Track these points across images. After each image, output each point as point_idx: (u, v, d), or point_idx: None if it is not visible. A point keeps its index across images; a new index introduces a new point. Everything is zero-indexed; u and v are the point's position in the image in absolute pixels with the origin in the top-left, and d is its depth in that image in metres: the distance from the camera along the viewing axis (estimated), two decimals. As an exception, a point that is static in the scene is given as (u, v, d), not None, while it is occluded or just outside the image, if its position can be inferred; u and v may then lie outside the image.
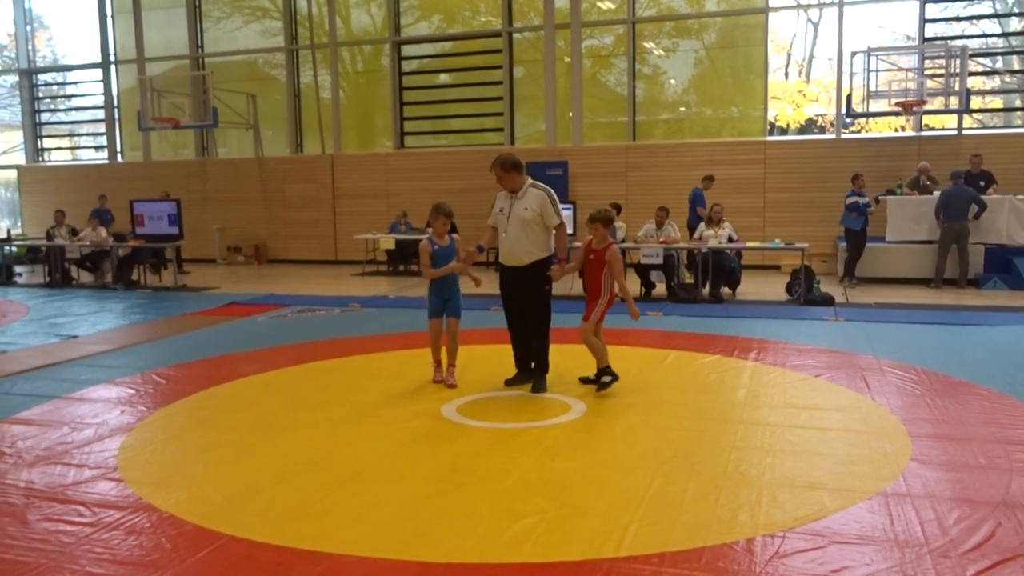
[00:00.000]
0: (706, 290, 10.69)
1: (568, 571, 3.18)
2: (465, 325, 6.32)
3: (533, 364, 6.06)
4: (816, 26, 20.48)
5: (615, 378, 5.88)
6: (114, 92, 19.24)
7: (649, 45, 15.95)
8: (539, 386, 5.95)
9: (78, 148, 21.04)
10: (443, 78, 17.71)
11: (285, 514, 3.79)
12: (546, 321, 6.03)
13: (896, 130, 16.22)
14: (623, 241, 11.16)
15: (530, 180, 5.93)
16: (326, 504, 3.90)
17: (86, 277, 14.06)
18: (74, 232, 14.35)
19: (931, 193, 12.21)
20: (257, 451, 4.74)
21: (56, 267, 13.86)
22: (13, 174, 20.43)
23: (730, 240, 10.93)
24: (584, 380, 6.04)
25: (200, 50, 18.44)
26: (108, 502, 3.96)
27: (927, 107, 13.28)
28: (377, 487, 4.12)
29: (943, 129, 14.84)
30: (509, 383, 6.08)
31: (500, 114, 16.32)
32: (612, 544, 3.39)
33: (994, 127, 15.66)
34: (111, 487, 4.17)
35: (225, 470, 4.43)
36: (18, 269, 15.39)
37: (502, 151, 6.30)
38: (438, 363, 6.22)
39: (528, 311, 5.99)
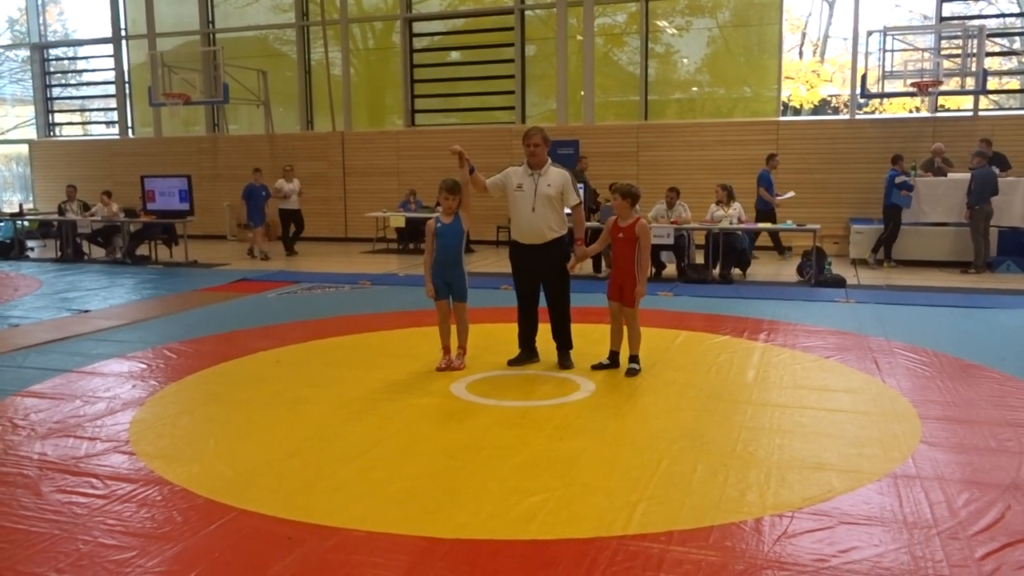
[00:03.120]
0: (716, 271, 10.65)
1: (577, 548, 3.19)
2: (472, 304, 6.26)
3: (556, 341, 6.07)
4: (831, 5, 20.28)
5: (640, 367, 5.86)
6: (125, 67, 19.21)
7: (662, 23, 15.80)
8: (566, 363, 6.00)
9: (89, 123, 21.06)
10: (454, 55, 17.61)
11: (295, 489, 3.82)
12: (568, 298, 6.05)
13: (911, 111, 16.08)
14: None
15: (550, 159, 5.94)
16: (336, 480, 3.93)
17: (98, 252, 14.12)
18: (86, 207, 14.40)
19: (946, 175, 12.11)
20: (267, 426, 4.77)
21: (68, 242, 13.92)
22: (25, 149, 20.47)
23: (738, 221, 10.88)
24: (597, 366, 5.94)
25: (211, 26, 18.37)
26: (120, 475, 3.99)
27: (943, 88, 13.13)
28: (386, 463, 4.15)
29: (959, 110, 14.68)
30: (512, 363, 6.08)
31: (511, 92, 16.23)
32: (620, 522, 3.40)
33: (1011, 108, 15.49)
34: (123, 460, 4.21)
35: (236, 445, 4.46)
36: (30, 244, 15.47)
37: (531, 125, 6.20)
38: (446, 348, 6.04)
39: (548, 289, 6.00)
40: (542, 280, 5.99)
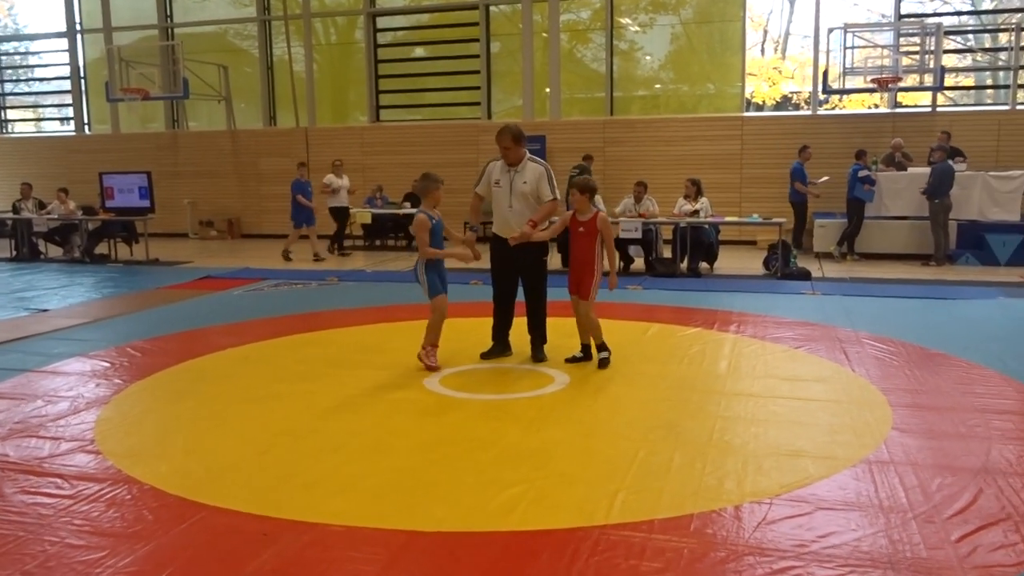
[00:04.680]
0: (684, 264, 10.71)
1: (559, 539, 3.17)
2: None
3: (531, 335, 6.05)
4: (792, 3, 20.53)
5: (609, 352, 5.86)
6: (80, 62, 18.78)
7: (626, 20, 15.85)
8: (540, 355, 5.99)
9: (43, 120, 20.55)
10: (419, 51, 17.49)
11: (269, 485, 3.75)
12: (544, 292, 6.06)
13: (871, 107, 16.34)
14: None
15: (528, 154, 5.90)
16: (310, 475, 3.86)
17: (55, 251, 13.79)
18: (41, 205, 14.04)
19: (905, 169, 12.31)
20: (237, 423, 4.68)
21: (23, 241, 13.56)
22: (-24, 146, 19.92)
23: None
24: (571, 359, 5.91)
25: (169, 20, 18.03)
26: (87, 474, 3.88)
27: (902, 84, 13.34)
28: (362, 458, 4.09)
29: (917, 106, 14.95)
30: (485, 356, 6.05)
31: (477, 88, 16.16)
32: (601, 512, 3.38)
33: (965, 104, 15.81)
34: (89, 459, 4.10)
35: (205, 442, 4.37)
36: (-16, 243, 15.06)
37: (503, 123, 6.15)
38: (435, 345, 5.83)
39: (526, 282, 6.01)
40: (520, 274, 5.97)
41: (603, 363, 5.77)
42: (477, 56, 16.05)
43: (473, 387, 5.35)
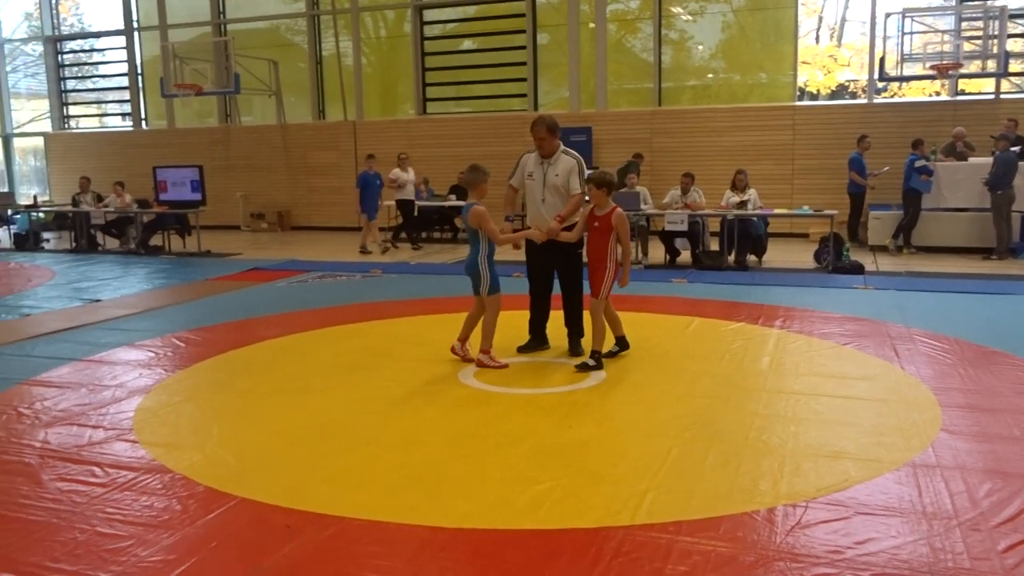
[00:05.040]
0: (732, 257, 10.50)
1: (582, 538, 3.10)
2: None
3: (568, 329, 5.98)
4: (849, -12, 19.90)
5: (600, 365, 5.49)
6: (138, 59, 19.21)
7: (676, 9, 15.58)
8: (577, 349, 5.88)
9: (104, 115, 21.09)
10: (466, 44, 17.46)
11: (297, 477, 3.75)
12: (580, 286, 5.95)
13: (931, 95, 15.80)
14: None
15: (562, 146, 5.83)
16: (338, 468, 3.86)
17: (112, 243, 14.14)
18: (99, 198, 14.41)
19: (967, 160, 11.87)
20: (272, 415, 4.70)
21: (82, 233, 13.94)
22: (40, 142, 20.55)
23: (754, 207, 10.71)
24: (608, 355, 5.72)
25: (222, 16, 18.32)
26: (122, 463, 3.94)
27: (963, 70, 12.85)
28: (390, 452, 4.07)
29: (979, 93, 14.39)
30: (522, 350, 5.99)
31: (523, 80, 16.08)
32: (628, 511, 3.30)
33: (1033, 92, 15.17)
34: (125, 448, 4.16)
35: (239, 433, 4.40)
36: (46, 235, 15.53)
37: (538, 115, 6.10)
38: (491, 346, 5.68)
39: (562, 276, 5.93)
40: (555, 268, 5.90)
41: (582, 367, 5.44)
42: (524, 48, 15.95)
43: (508, 381, 5.29)
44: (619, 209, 5.57)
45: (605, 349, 5.72)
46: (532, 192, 5.83)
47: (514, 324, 6.35)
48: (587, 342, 5.88)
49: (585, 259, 5.75)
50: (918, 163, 11.30)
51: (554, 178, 5.74)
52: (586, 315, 5.84)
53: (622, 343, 5.87)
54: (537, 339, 6.05)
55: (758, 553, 2.96)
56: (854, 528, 3.13)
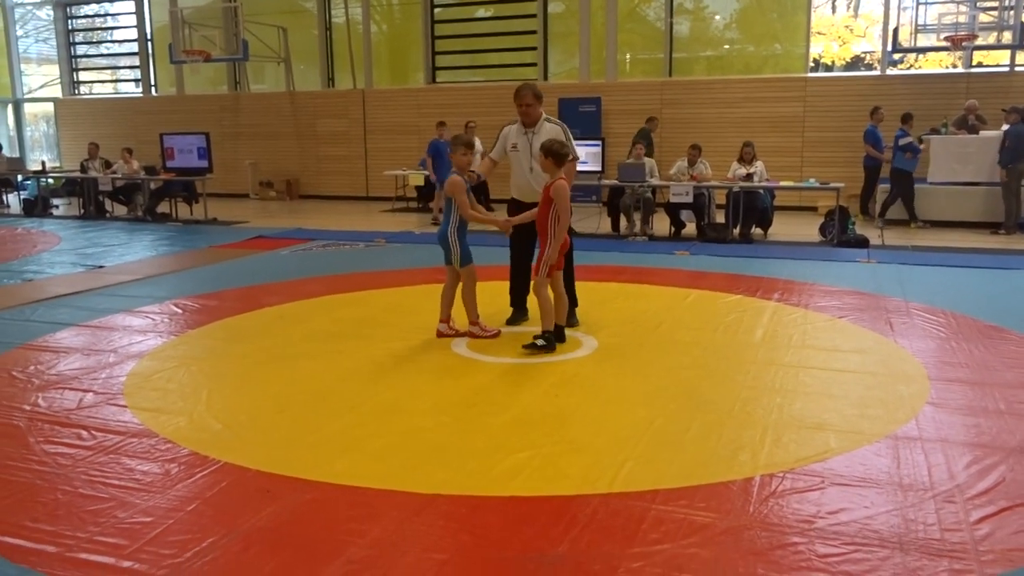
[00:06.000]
0: (736, 230, 10.43)
1: (557, 505, 3.12)
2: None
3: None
4: (867, -43, 19.52)
5: (551, 347, 5.19)
6: (148, 25, 19.15)
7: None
8: (572, 320, 5.85)
9: (114, 81, 21.09)
10: (477, 12, 17.28)
11: (280, 443, 3.79)
12: (571, 256, 5.88)
13: (948, 68, 15.54)
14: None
15: (544, 114, 5.78)
16: (322, 435, 3.89)
17: (120, 210, 14.20)
18: (107, 165, 14.44)
19: (978, 133, 11.70)
20: (262, 381, 4.74)
21: (90, 199, 14.00)
22: (51, 107, 20.58)
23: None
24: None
25: (232, -19, 18.19)
26: (109, 427, 3.99)
27: (978, 42, 12.62)
28: (375, 419, 4.10)
29: (996, 66, 14.14)
30: (510, 323, 5.97)
31: (533, 48, 15.93)
32: (605, 480, 3.32)
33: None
34: (114, 412, 4.20)
35: (228, 399, 4.44)
36: (55, 201, 15.60)
37: (522, 82, 6.06)
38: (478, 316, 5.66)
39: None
40: (534, 238, 5.84)
41: (531, 347, 5.19)
42: (534, 16, 15.79)
43: (500, 351, 5.30)
44: (561, 180, 5.22)
45: (600, 320, 5.71)
46: (518, 163, 5.77)
47: (498, 293, 6.27)
48: (581, 312, 5.89)
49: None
50: (902, 140, 11.08)
51: (539, 147, 5.66)
52: (584, 285, 5.81)
53: (559, 334, 5.37)
54: (520, 310, 6.02)
55: (730, 521, 2.97)
56: (828, 498, 3.13)
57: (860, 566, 2.66)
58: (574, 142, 5.74)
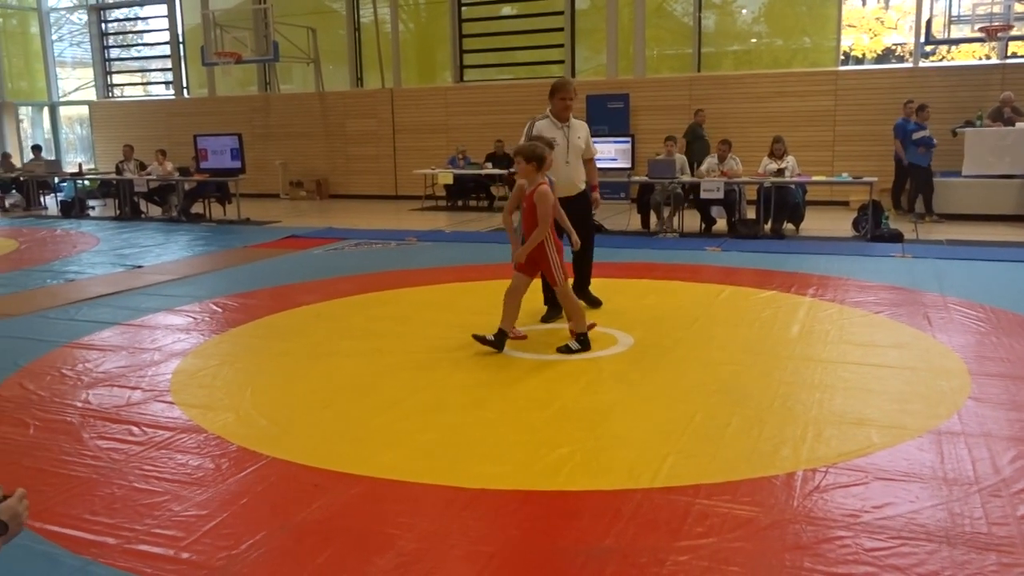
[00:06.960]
0: (768, 226, 10.39)
1: (601, 500, 3.16)
2: (497, 259, 6.07)
3: (579, 281, 6.16)
4: (898, -52, 19.29)
5: (585, 348, 5.14)
6: (180, 28, 19.41)
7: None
8: (594, 301, 6.16)
9: (147, 84, 21.39)
10: (505, 9, 17.33)
11: (326, 438, 3.86)
12: (592, 244, 6.17)
13: (982, 59, 15.33)
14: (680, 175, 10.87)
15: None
16: (366, 430, 3.96)
17: (155, 210, 14.43)
18: (142, 166, 14.67)
19: (1014, 125, 11.54)
20: (304, 378, 4.82)
21: (125, 200, 14.23)
22: (86, 110, 20.93)
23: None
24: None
25: (261, -16, 18.38)
26: (159, 423, 4.08)
27: (1013, 32, 12.44)
28: (418, 415, 4.15)
29: (1032, 57, 13.95)
30: (545, 320, 6.01)
31: (560, 46, 15.94)
32: (648, 475, 3.35)
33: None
34: (162, 408, 4.30)
35: (272, 395, 4.52)
36: (91, 203, 15.88)
37: (562, 78, 6.20)
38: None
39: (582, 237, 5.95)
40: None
41: (563, 349, 5.14)
42: (561, 13, 15.80)
43: (535, 347, 5.34)
44: (544, 185, 5.07)
45: (620, 315, 5.78)
46: (556, 157, 5.81)
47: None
48: (603, 310, 5.91)
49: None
50: (916, 135, 10.92)
51: (577, 141, 5.91)
52: (600, 281, 5.84)
53: (499, 337, 5.19)
54: (555, 307, 6.06)
55: (775, 516, 2.99)
56: (873, 493, 3.14)
57: (908, 560, 2.67)
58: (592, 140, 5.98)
